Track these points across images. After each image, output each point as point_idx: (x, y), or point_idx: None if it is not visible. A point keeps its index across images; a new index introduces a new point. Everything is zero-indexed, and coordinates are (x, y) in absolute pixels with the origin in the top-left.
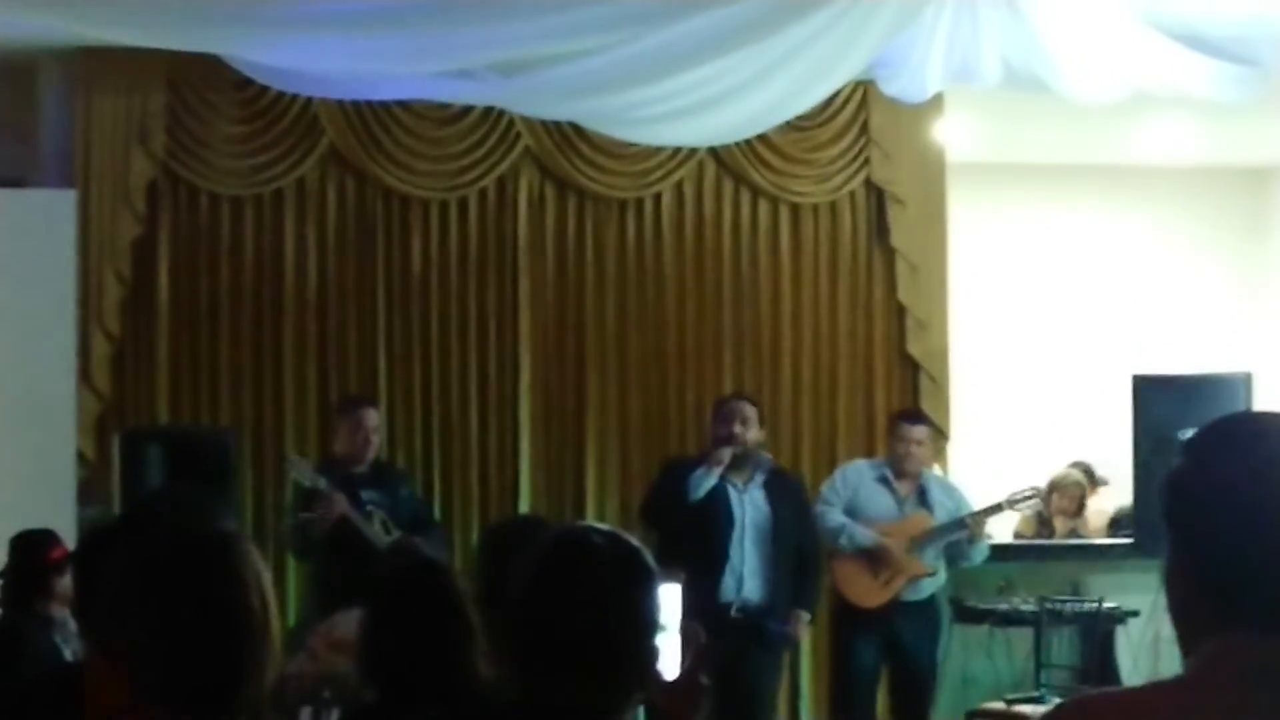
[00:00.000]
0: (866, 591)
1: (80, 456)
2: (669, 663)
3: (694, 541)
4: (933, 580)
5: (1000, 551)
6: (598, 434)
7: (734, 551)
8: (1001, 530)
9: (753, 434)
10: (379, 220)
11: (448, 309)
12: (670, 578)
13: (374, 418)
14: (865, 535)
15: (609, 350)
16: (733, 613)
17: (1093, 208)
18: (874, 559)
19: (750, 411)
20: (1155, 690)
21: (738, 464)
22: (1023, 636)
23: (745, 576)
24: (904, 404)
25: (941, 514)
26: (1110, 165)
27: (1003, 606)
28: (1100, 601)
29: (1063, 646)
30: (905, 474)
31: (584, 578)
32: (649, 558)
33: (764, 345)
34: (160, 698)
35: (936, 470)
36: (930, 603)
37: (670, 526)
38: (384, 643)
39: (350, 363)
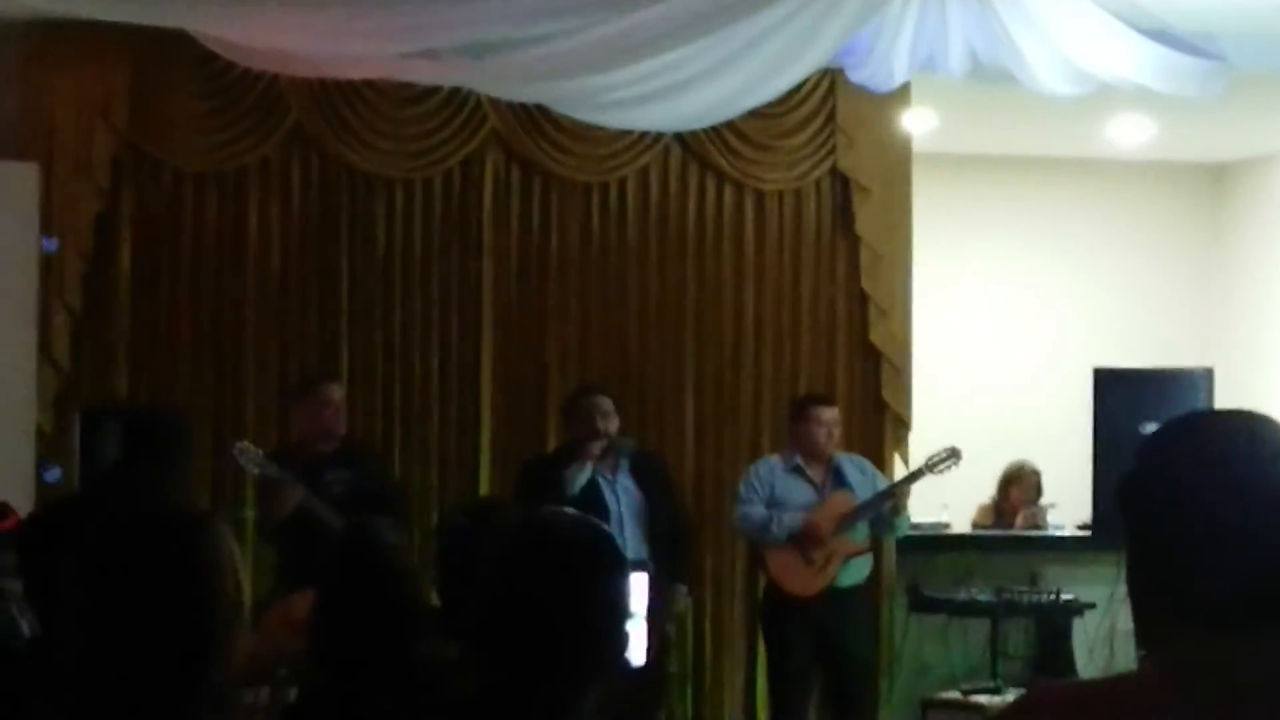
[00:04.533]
0: (802, 579)
1: (39, 431)
2: (635, 651)
3: None
4: (862, 565)
5: (958, 541)
6: (558, 418)
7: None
8: (960, 520)
9: (613, 425)
10: (343, 199)
11: (411, 289)
12: (638, 566)
13: (337, 392)
14: (793, 519)
15: (571, 334)
16: None
17: (1056, 200)
18: (804, 545)
19: (607, 404)
20: (1112, 684)
21: (603, 455)
22: (979, 626)
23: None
24: (865, 392)
25: (861, 491)
26: (1074, 159)
27: (960, 596)
28: (1057, 593)
29: (1019, 637)
30: (816, 459)
31: (552, 563)
32: (617, 543)
33: (726, 331)
34: (127, 680)
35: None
36: (861, 589)
37: None
38: (332, 627)
39: (312, 343)
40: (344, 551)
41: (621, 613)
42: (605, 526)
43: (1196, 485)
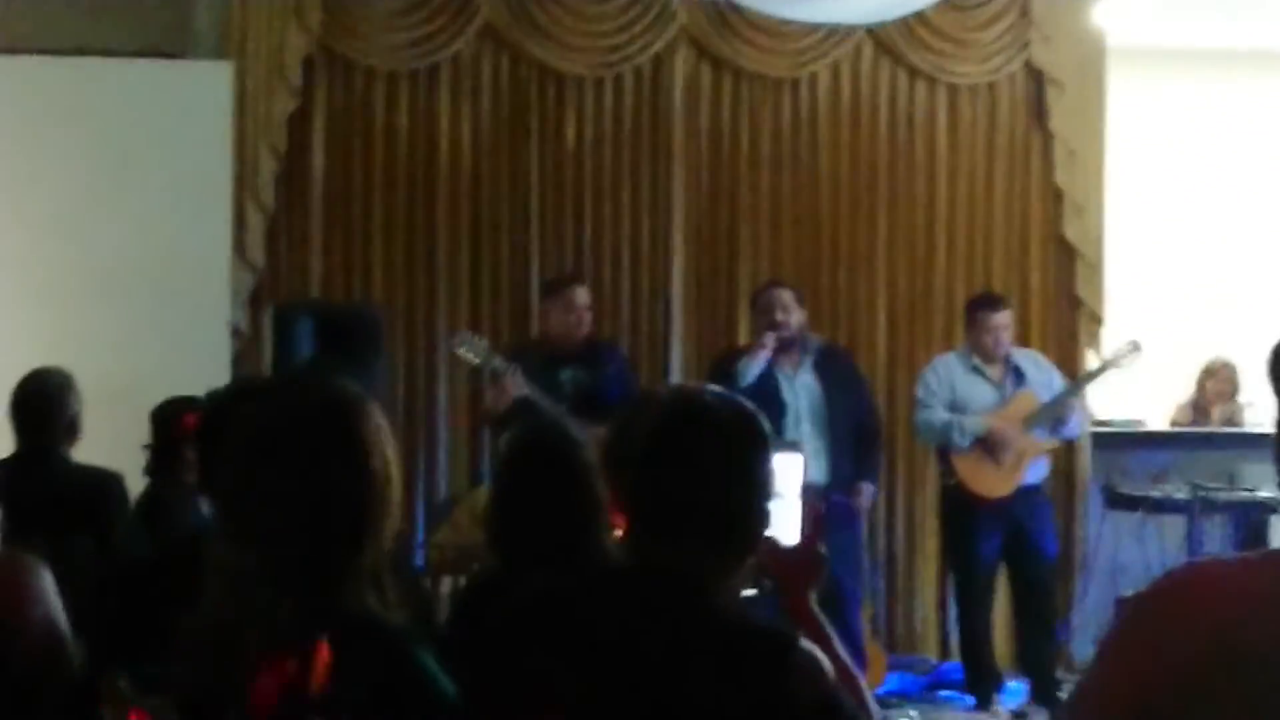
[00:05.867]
0: (992, 481)
1: (234, 329)
2: (788, 531)
3: None
4: (1044, 462)
5: (1154, 438)
6: (750, 314)
7: (789, 437)
8: (1157, 418)
9: (795, 319)
10: (533, 97)
11: (601, 187)
12: (792, 448)
13: (584, 295)
14: (976, 424)
15: (762, 231)
16: None
17: (1254, 92)
18: (991, 447)
19: (788, 297)
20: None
21: (785, 350)
22: (1175, 524)
23: (808, 459)
24: (1058, 288)
25: (1040, 389)
26: (1271, 50)
27: (1155, 494)
28: (1255, 490)
29: (1215, 535)
30: (994, 360)
31: (699, 440)
32: (763, 422)
33: (918, 227)
34: (280, 559)
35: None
36: (1042, 486)
37: None
38: (506, 513)
39: (502, 241)
40: (521, 444)
41: (763, 490)
42: (749, 404)
43: None
